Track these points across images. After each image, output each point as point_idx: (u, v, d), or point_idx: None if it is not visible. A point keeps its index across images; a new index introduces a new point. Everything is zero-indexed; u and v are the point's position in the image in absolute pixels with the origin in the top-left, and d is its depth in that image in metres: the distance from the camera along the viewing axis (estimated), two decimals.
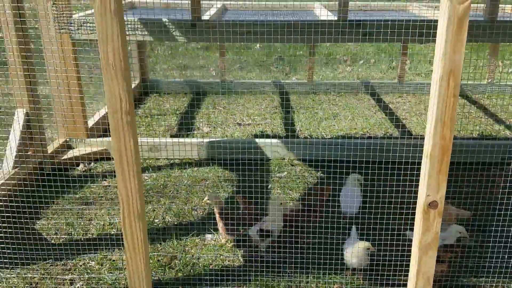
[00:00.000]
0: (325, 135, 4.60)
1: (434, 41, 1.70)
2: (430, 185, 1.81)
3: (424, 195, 1.82)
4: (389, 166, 3.61)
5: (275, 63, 7.42)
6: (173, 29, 3.63)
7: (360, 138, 4.40)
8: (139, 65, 5.77)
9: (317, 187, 2.91)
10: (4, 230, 2.65)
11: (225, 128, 4.80)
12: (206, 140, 4.07)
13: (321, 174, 3.78)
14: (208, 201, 2.89)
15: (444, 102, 1.70)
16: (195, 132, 4.70)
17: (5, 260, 2.53)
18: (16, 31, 3.04)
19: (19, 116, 3.13)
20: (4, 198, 2.91)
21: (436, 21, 1.66)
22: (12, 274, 2.50)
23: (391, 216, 2.71)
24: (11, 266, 2.54)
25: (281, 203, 2.65)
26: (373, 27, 3.63)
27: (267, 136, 4.51)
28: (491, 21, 3.57)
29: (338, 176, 3.42)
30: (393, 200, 2.90)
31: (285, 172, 3.82)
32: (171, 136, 4.55)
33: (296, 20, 3.48)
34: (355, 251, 2.42)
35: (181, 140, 4.07)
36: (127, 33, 3.68)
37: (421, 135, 4.59)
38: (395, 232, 2.62)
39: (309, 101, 5.67)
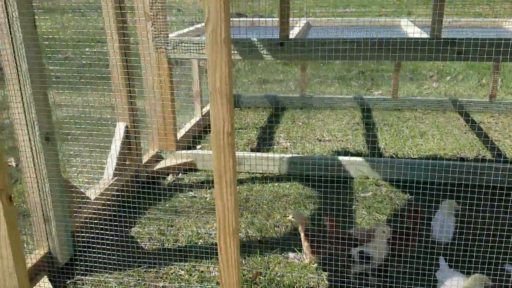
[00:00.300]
0: (411, 155, 4.43)
1: None
2: None
3: None
4: (483, 190, 3.40)
5: (356, 78, 7.31)
6: (261, 48, 3.73)
7: (451, 160, 4.18)
8: None
9: (411, 209, 2.80)
10: (103, 235, 2.87)
11: (304, 144, 4.80)
12: (287, 155, 4.11)
13: (409, 197, 3.64)
14: (292, 219, 2.91)
15: None
16: (275, 146, 4.76)
17: (104, 265, 2.73)
18: (120, 49, 3.30)
19: (120, 128, 3.39)
20: (104, 204, 3.15)
21: None
22: (110, 278, 2.69)
23: (486, 245, 2.54)
24: (109, 270, 2.73)
25: (384, 232, 2.58)
26: (469, 45, 3.45)
27: (349, 154, 4.44)
28: None
29: (427, 199, 3.29)
30: (487, 227, 2.72)
31: (370, 193, 3.73)
32: (252, 150, 4.65)
33: (388, 38, 3.40)
34: (454, 284, 2.28)
35: (263, 154, 4.15)
36: None
37: None
38: (492, 266, 2.45)
39: (393, 118, 5.50)
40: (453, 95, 6.26)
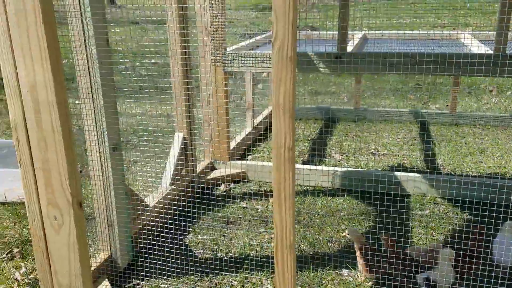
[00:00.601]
0: (471, 173, 4.24)
1: None
2: None
3: None
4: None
5: (412, 91, 7.12)
6: (318, 61, 3.73)
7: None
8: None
9: (476, 231, 2.67)
10: (160, 242, 2.96)
11: (358, 158, 4.72)
12: (340, 168, 4.06)
13: (469, 216, 3.48)
14: (348, 235, 2.86)
15: None
16: (327, 159, 4.71)
17: (160, 271, 2.81)
18: (182, 61, 3.42)
19: (179, 138, 3.50)
20: (160, 212, 3.26)
21: None
22: (165, 284, 2.77)
23: None
24: (165, 276, 2.81)
25: (448, 255, 2.50)
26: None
27: (405, 169, 4.32)
28: None
29: (486, 220, 3.13)
30: None
31: (428, 211, 3.61)
32: (303, 163, 4.63)
33: (451, 53, 3.30)
34: None
35: (314, 167, 4.12)
36: (264, 65, 3.89)
37: None
38: None
39: (451, 133, 5.30)
40: None
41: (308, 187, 4.07)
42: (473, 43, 4.15)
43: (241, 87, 5.28)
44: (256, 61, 3.80)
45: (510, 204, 3.46)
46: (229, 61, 3.75)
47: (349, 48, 4.02)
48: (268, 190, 4.04)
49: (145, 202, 3.08)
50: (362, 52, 3.72)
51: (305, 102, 6.80)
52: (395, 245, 2.64)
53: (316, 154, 4.83)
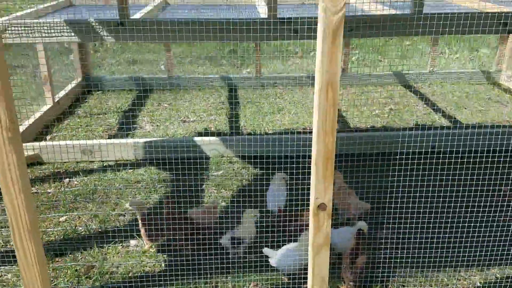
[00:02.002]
0: (268, 131, 4.62)
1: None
2: (317, 189, 1.84)
3: (313, 198, 1.86)
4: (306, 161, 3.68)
5: (227, 56, 7.37)
6: (101, 29, 3.55)
7: (302, 133, 4.44)
8: (81, 62, 5.64)
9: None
10: None
11: (168, 126, 4.75)
12: (142, 140, 4.03)
13: (259, 171, 3.79)
14: (129, 207, 2.86)
15: (324, 112, 1.72)
16: (137, 131, 4.64)
17: None
18: None
19: None
20: None
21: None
22: None
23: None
24: None
25: (254, 215, 2.73)
26: (304, 24, 3.64)
27: (212, 133, 4.49)
28: (417, 14, 3.62)
29: (270, 172, 3.46)
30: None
31: (222, 171, 3.83)
32: (110, 137, 4.48)
33: (221, 19, 3.45)
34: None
35: (116, 141, 4.01)
36: (53, 35, 3.59)
37: (363, 129, 4.67)
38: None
39: (256, 96, 5.67)
40: (312, 71, 6.62)
41: (110, 162, 3.96)
42: (264, 9, 4.38)
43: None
44: (49, 30, 3.48)
45: (289, 155, 3.88)
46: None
47: (139, 15, 3.93)
48: (63, 171, 3.81)
49: None
50: (147, 19, 3.65)
51: (120, 72, 6.53)
52: (171, 208, 2.73)
53: (126, 126, 4.71)
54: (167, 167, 3.83)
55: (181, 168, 3.72)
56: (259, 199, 3.07)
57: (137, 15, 3.90)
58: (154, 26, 3.44)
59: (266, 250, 2.59)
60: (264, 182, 3.37)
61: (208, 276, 2.56)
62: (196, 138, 4.07)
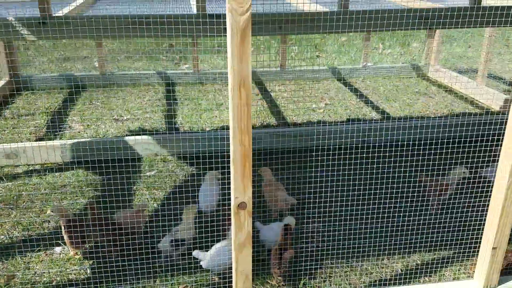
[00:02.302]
0: (205, 128, 4.59)
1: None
2: (237, 188, 1.85)
3: (233, 198, 1.87)
4: (261, 157, 3.73)
5: (165, 52, 7.23)
6: (21, 27, 3.34)
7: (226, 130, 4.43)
8: (8, 60, 5.31)
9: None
10: None
11: (100, 126, 4.58)
12: (70, 141, 3.86)
13: (196, 170, 3.75)
14: (52, 213, 2.74)
15: (239, 111, 1.72)
16: (67, 132, 4.44)
17: None
18: None
19: None
20: None
21: None
22: None
23: None
24: None
25: (192, 211, 2.70)
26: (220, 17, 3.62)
27: (146, 132, 4.38)
28: (344, 12, 3.72)
29: (202, 172, 3.43)
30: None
31: (156, 170, 3.75)
32: (38, 139, 4.26)
33: (147, 15, 3.36)
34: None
35: (42, 143, 3.81)
36: None
37: (298, 124, 4.75)
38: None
39: (195, 92, 5.61)
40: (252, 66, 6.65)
41: (35, 166, 3.76)
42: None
43: None
44: None
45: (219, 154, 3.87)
46: None
47: (66, 10, 3.75)
48: None
49: None
50: (75, 16, 3.48)
51: (52, 70, 6.22)
52: (96, 213, 2.64)
53: (54, 128, 4.49)
54: (97, 169, 3.69)
55: (112, 170, 3.61)
56: (190, 200, 3.04)
57: (65, 10, 3.72)
58: (78, 22, 3.30)
59: (196, 253, 2.56)
60: (201, 182, 3.33)
61: (135, 281, 2.51)
62: (128, 138, 3.96)
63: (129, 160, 3.83)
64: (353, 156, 3.12)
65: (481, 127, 3.42)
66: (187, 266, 2.58)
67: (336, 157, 3.01)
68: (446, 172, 3.25)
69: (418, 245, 2.81)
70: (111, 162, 3.69)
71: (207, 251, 2.55)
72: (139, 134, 4.14)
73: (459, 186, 3.18)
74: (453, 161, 3.31)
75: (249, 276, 2.02)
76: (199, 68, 5.95)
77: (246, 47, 1.63)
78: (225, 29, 1.65)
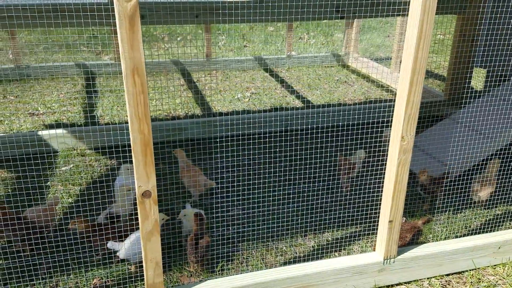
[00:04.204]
0: (126, 119, 4.48)
1: None
2: (140, 177, 1.85)
3: (137, 187, 1.87)
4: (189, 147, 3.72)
5: (87, 42, 6.94)
6: None
7: (164, 120, 4.39)
8: None
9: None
10: None
11: (13, 121, 4.34)
12: None
13: (116, 162, 3.67)
14: None
15: (135, 99, 1.72)
16: None
17: None
18: None
19: None
20: None
21: None
22: None
23: None
24: None
25: (129, 190, 2.75)
26: (152, 9, 3.58)
27: (63, 126, 4.20)
28: (260, 1, 3.78)
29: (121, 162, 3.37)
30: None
31: (72, 165, 3.63)
32: None
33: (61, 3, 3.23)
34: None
35: None
36: None
37: (224, 113, 4.79)
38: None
39: (116, 83, 5.46)
40: (177, 57, 6.58)
41: None
42: None
43: None
44: None
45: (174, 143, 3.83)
46: None
47: None
48: None
49: None
50: None
51: None
52: (9, 213, 2.52)
53: None
54: (10, 165, 3.50)
55: (26, 166, 3.44)
56: (106, 195, 2.99)
57: None
58: None
59: (111, 244, 2.53)
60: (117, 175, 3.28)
61: (47, 277, 2.43)
62: (43, 132, 3.79)
63: (44, 155, 3.66)
64: (273, 142, 3.22)
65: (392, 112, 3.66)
66: (101, 258, 2.54)
67: (257, 143, 3.09)
68: (351, 153, 3.46)
69: (330, 223, 2.97)
70: (26, 159, 3.51)
71: (122, 241, 2.52)
72: (56, 128, 3.98)
73: (365, 165, 3.39)
74: (368, 143, 3.52)
75: (160, 264, 2.04)
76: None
77: (136, 34, 1.63)
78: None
